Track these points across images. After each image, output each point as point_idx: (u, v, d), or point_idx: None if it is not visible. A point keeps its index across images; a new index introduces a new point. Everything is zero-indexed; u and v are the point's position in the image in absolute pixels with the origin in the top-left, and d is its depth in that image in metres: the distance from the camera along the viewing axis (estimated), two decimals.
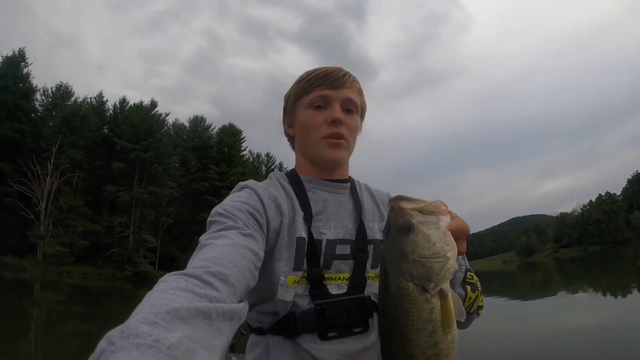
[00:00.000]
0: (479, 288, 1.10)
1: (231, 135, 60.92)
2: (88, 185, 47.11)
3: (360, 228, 1.13)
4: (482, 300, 1.11)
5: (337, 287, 1.05)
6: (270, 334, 1.04)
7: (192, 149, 58.65)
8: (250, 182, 1.12)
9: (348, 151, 1.17)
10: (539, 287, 29.19)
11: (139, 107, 53.43)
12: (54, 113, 49.57)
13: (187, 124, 62.64)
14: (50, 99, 51.38)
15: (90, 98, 54.94)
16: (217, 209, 0.98)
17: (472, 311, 1.08)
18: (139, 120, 50.39)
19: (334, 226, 1.10)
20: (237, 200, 1.02)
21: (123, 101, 55.94)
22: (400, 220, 0.76)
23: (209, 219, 0.97)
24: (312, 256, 1.03)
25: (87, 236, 43.01)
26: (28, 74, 47.99)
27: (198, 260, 0.77)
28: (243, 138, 64.04)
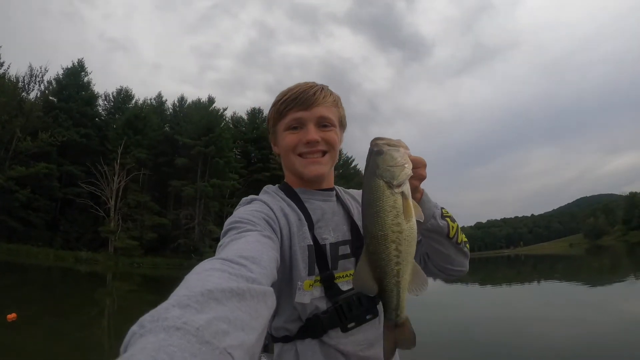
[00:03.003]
0: (456, 221, 1.23)
1: None
2: (154, 181, 48.32)
3: (354, 228, 1.26)
4: (464, 237, 1.26)
5: (346, 283, 1.18)
6: (297, 340, 1.14)
7: (252, 141, 58.62)
8: (257, 196, 1.23)
9: (329, 164, 1.27)
10: (607, 272, 25.92)
11: (197, 104, 54.34)
12: (117, 116, 51.32)
13: (245, 117, 62.93)
14: (112, 103, 53.52)
15: (150, 99, 56.79)
16: (233, 218, 1.05)
17: (459, 241, 1.22)
18: (198, 117, 51.16)
19: (332, 230, 1.23)
20: (251, 209, 1.11)
21: (181, 99, 57.16)
22: (375, 148, 1.04)
23: (225, 228, 1.02)
24: (322, 260, 1.16)
25: (155, 229, 44.11)
26: (89, 82, 49.98)
27: (227, 251, 0.83)
28: None
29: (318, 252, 1.14)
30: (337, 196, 1.34)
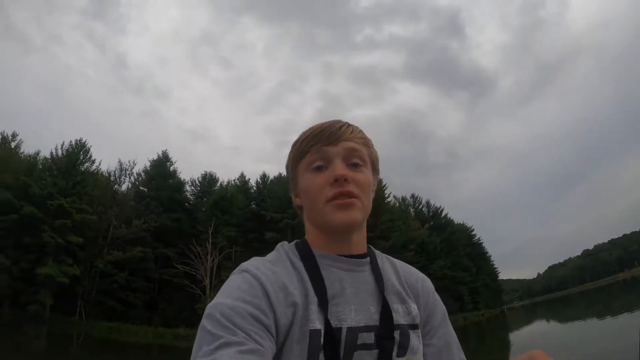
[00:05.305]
0: None
1: None
2: (245, 257, 45.77)
3: (385, 310, 0.92)
4: None
5: None
6: None
7: None
8: (253, 267, 0.89)
9: (362, 211, 0.95)
10: None
11: (279, 179, 54.71)
12: (205, 199, 52.61)
13: None
14: (198, 188, 55.19)
15: (234, 180, 57.92)
16: (214, 311, 0.80)
17: None
18: (282, 192, 51.10)
19: (354, 310, 0.90)
20: (237, 297, 0.82)
21: (264, 176, 58.07)
22: None
23: (203, 321, 0.80)
24: (330, 349, 0.83)
25: None
26: (175, 170, 51.82)
27: None
28: (385, 185, 61.25)
29: (327, 339, 0.82)
30: (372, 263, 0.99)
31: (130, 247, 39.33)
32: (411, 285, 1.03)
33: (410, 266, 1.09)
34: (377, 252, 1.06)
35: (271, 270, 0.88)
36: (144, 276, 40.97)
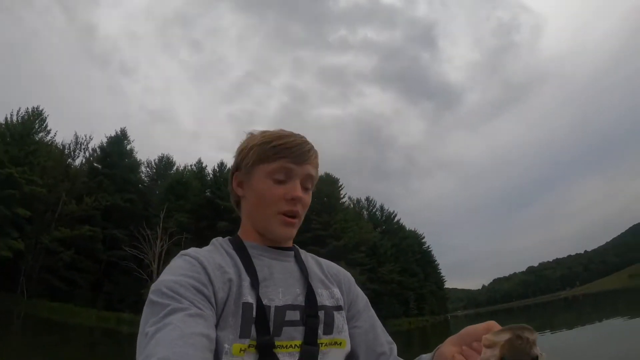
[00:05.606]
0: None
1: (329, 184, 59.39)
2: (196, 245, 45.42)
3: (309, 293, 1.05)
4: None
5: (288, 355, 0.95)
6: None
7: None
8: (192, 250, 1.01)
9: (298, 228, 1.12)
10: None
11: None
12: (159, 182, 51.99)
13: None
14: (154, 170, 54.63)
15: (191, 165, 57.50)
16: (159, 286, 0.87)
17: None
18: None
19: (282, 292, 1.02)
20: (179, 274, 0.90)
21: (221, 165, 57.53)
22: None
23: (150, 296, 0.86)
24: (261, 322, 0.93)
25: None
26: (132, 150, 50.97)
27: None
28: (341, 186, 62.84)
29: (259, 312, 0.92)
30: (296, 257, 1.14)
31: (79, 224, 38.59)
32: (333, 274, 1.18)
33: (332, 262, 1.26)
34: (301, 250, 1.20)
35: (208, 254, 1.00)
36: (91, 256, 40.19)
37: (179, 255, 0.99)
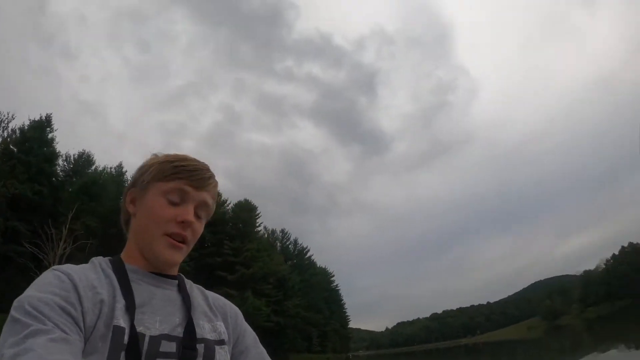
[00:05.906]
0: None
1: (247, 210, 60.10)
2: (101, 252, 43.34)
3: (189, 325, 0.96)
4: None
5: None
6: None
7: (207, 224, 56.39)
8: (65, 266, 0.91)
9: (185, 255, 1.05)
10: (569, 351, 26.78)
11: None
12: (74, 179, 49.54)
13: None
14: (71, 165, 51.63)
15: (110, 168, 55.20)
16: (23, 302, 0.79)
17: None
18: None
19: (159, 321, 0.93)
20: (47, 290, 0.82)
21: None
22: None
23: (12, 312, 0.78)
24: (132, 351, 0.83)
25: None
26: (53, 139, 48.13)
27: None
28: (258, 214, 63.36)
29: (131, 340, 0.85)
30: (180, 285, 1.07)
31: None
32: (219, 307, 1.11)
33: (220, 296, 1.18)
34: (187, 280, 1.12)
35: (82, 271, 0.91)
36: None
37: (50, 269, 0.91)
